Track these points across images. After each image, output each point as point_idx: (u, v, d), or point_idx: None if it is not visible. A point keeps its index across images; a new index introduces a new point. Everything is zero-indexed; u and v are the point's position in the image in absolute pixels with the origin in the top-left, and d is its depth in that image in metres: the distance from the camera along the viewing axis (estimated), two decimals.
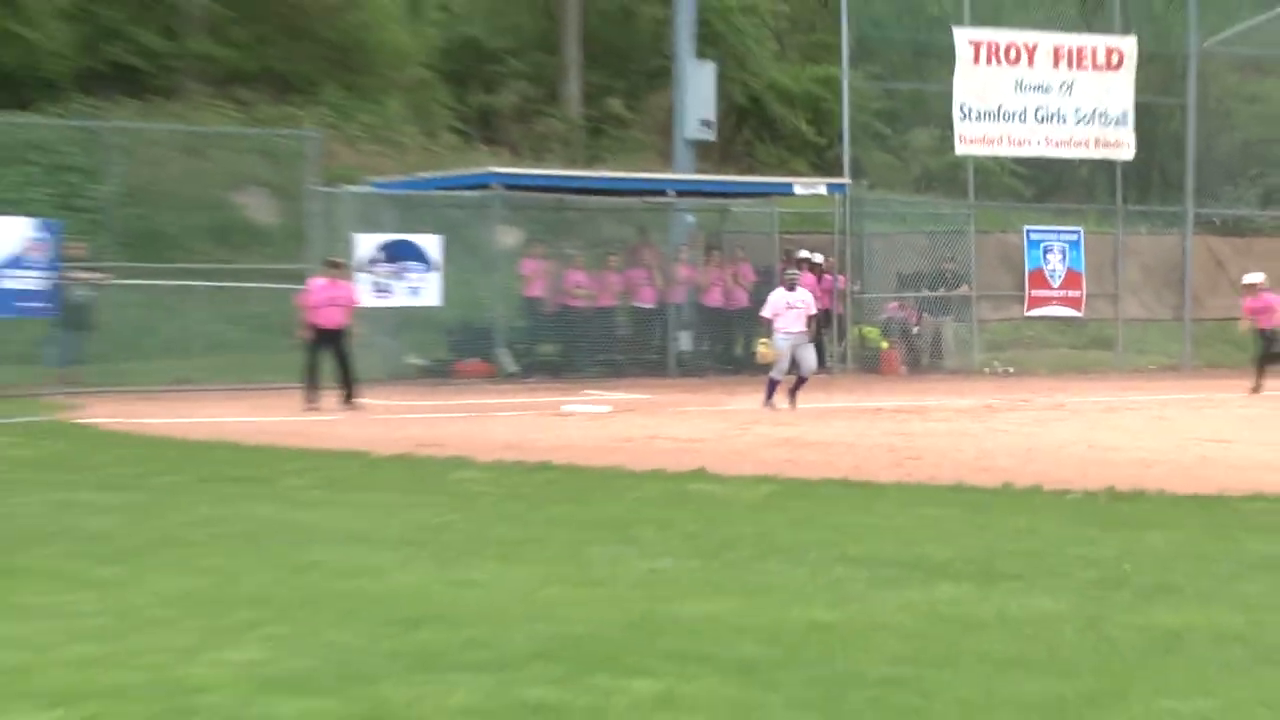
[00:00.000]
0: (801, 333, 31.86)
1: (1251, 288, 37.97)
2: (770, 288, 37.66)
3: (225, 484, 20.68)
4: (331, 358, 31.44)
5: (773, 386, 31.59)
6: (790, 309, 31.82)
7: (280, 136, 43.12)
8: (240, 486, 20.52)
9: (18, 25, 45.28)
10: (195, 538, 16.21)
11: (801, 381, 31.78)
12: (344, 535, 16.49)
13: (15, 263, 34.38)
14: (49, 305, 35.09)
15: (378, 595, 13.26)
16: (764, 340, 32.78)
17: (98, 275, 36.42)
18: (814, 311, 33.00)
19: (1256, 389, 37.04)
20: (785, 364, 31.80)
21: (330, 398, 31.28)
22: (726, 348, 41.98)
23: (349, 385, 31.32)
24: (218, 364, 36.57)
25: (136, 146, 42.03)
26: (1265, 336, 37.42)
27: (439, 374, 38.25)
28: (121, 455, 23.96)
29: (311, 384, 31.29)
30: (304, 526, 17.06)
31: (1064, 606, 12.93)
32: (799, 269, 33.74)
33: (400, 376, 37.51)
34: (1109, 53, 47.02)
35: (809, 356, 32.08)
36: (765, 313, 32.57)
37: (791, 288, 32.45)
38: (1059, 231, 46.48)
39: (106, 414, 29.34)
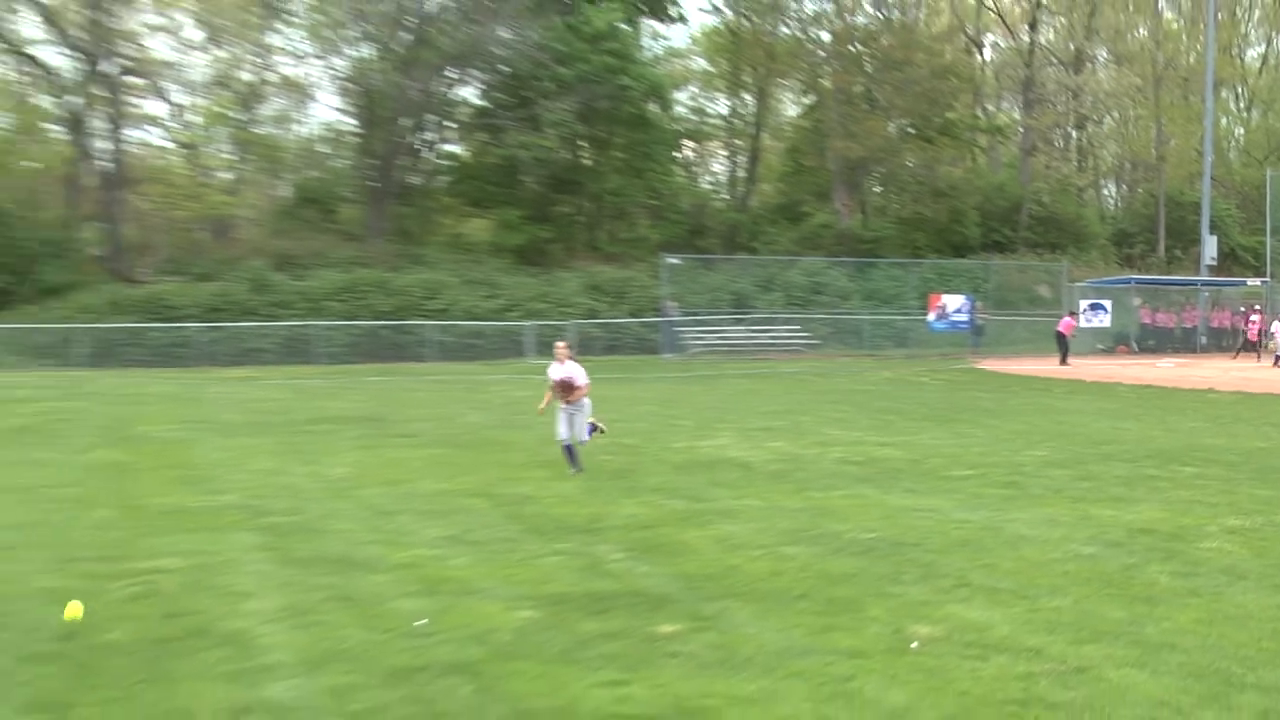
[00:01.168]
0: None
1: None
2: (1233, 323, 36.56)
3: (1030, 390, 20.29)
4: (1062, 345, 30.04)
5: (1276, 360, 27.73)
6: None
7: (1052, 265, 41.39)
8: (1036, 391, 19.97)
9: (960, 227, 44.17)
10: (1023, 411, 15.93)
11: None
12: (1072, 410, 16.16)
13: (960, 310, 35.33)
14: (969, 324, 35.50)
15: (1082, 432, 13.22)
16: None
17: (986, 315, 36.16)
18: None
19: None
20: None
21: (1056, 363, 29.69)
22: (1219, 340, 37.81)
23: (1064, 357, 29.86)
24: (1039, 348, 34.98)
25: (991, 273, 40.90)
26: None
27: (1107, 352, 36.21)
28: (992, 380, 23.47)
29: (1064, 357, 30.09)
30: (1058, 408, 16.68)
31: None
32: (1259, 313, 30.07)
33: (1093, 353, 35.62)
34: None
35: None
36: (1272, 330, 28.84)
37: None
38: None
39: (989, 366, 28.42)
